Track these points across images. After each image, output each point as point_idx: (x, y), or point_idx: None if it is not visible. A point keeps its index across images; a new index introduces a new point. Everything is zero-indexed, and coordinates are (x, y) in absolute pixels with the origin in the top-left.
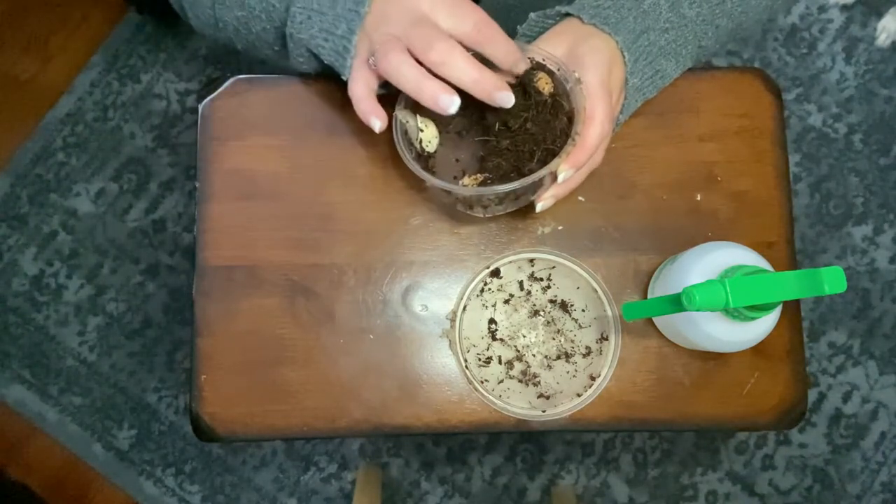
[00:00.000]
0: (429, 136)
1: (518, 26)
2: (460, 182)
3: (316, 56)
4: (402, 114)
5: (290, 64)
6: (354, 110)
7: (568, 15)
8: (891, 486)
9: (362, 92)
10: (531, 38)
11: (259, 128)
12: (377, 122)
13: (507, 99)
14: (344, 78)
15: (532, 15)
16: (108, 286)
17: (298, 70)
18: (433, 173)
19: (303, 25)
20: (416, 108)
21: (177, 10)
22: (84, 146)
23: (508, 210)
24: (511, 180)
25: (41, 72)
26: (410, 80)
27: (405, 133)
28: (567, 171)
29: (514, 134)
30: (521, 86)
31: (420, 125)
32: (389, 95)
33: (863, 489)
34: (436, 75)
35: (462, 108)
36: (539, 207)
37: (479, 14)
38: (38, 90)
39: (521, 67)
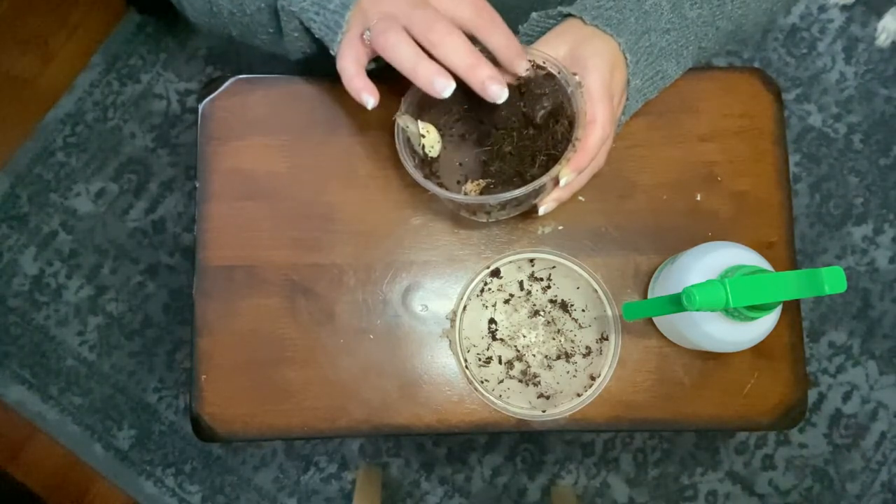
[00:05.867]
0: (431, 142)
1: (519, 26)
2: (463, 188)
3: (308, 31)
4: (402, 119)
5: (285, 48)
6: (346, 89)
7: (570, 15)
8: (891, 486)
9: (353, 68)
10: (533, 38)
11: (259, 128)
12: (370, 99)
13: (499, 93)
14: (332, 52)
15: (534, 14)
16: (108, 286)
17: (293, 50)
18: (437, 178)
19: None
20: (418, 113)
21: (173, 2)
22: (84, 146)
23: (512, 215)
24: (514, 185)
25: (41, 72)
26: (407, 59)
27: (408, 140)
28: (569, 175)
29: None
30: (521, 93)
31: (422, 130)
32: (379, 70)
33: (863, 489)
34: (434, 58)
35: (464, 111)
36: (542, 211)
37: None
38: (38, 90)
39: (520, 66)
